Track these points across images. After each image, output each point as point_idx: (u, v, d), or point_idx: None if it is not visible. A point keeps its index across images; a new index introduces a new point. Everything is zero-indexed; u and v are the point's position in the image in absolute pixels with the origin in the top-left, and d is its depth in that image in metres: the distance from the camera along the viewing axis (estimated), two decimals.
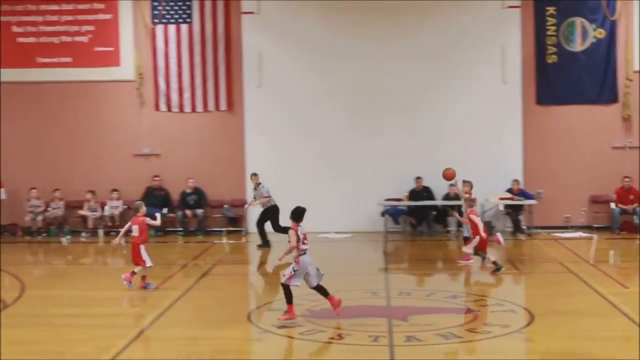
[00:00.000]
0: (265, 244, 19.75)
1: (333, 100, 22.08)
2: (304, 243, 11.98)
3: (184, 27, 22.15)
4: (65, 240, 21.44)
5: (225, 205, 22.27)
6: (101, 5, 22.30)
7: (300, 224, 12.07)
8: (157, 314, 12.82)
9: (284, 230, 20.25)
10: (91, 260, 19.88)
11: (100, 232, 22.14)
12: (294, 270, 11.92)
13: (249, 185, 22.03)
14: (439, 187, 21.14)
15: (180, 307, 13.54)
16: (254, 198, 19.97)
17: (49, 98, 22.50)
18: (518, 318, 12.26)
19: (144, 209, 14.99)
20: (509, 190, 21.25)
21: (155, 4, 22.14)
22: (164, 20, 22.11)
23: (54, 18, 22.40)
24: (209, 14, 22.10)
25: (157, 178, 22.28)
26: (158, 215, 15.21)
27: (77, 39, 22.40)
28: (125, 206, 22.23)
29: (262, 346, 11.28)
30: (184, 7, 22.13)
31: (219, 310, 13.29)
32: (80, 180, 22.36)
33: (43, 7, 22.38)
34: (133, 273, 14.66)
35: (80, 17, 22.35)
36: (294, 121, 22.12)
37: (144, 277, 14.75)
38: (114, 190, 22.28)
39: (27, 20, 22.44)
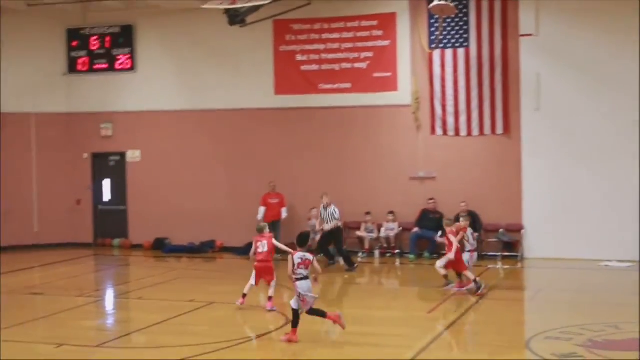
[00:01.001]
0: (331, 260, 20.75)
1: (615, 123, 21.12)
2: (298, 268, 12.49)
3: (460, 51, 22.18)
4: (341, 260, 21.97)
5: (501, 230, 21.98)
6: (380, 32, 22.82)
7: (302, 249, 12.71)
8: (432, 337, 12.88)
9: (347, 253, 20.50)
10: (367, 280, 20.30)
11: (376, 253, 22.59)
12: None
13: (526, 210, 21.67)
14: None
15: (455, 331, 13.52)
16: (322, 218, 20.75)
17: (329, 122, 23.30)
18: None
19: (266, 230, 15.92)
20: None
21: (433, 29, 22.34)
22: (441, 45, 22.26)
23: (335, 46, 23.21)
24: (486, 37, 21.99)
25: (431, 201, 22.41)
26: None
27: (357, 65, 23.05)
28: (401, 228, 22.55)
29: None
30: (461, 32, 22.17)
31: (496, 336, 13.12)
32: (358, 202, 22.94)
33: (325, 35, 23.26)
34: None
35: (360, 45, 22.98)
36: (573, 146, 21.44)
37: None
38: (390, 212, 22.65)
39: (310, 49, 23.41)
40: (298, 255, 12.63)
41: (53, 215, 25.13)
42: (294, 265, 12.51)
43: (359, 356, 11.86)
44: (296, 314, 12.44)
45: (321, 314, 12.59)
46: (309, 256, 12.74)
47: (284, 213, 22.98)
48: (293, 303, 12.52)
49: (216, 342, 12.57)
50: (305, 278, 12.55)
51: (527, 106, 21.67)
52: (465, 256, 17.11)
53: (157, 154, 24.79)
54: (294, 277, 12.49)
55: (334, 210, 20.70)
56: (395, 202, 22.79)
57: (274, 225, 22.95)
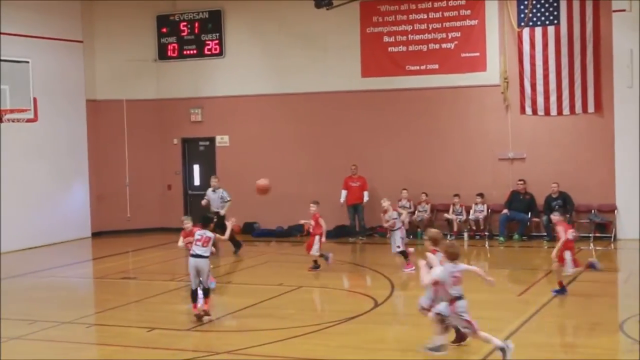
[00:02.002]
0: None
1: None
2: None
3: (550, 29, 21.76)
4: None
5: (593, 211, 21.54)
6: (467, 12, 22.54)
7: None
8: (523, 319, 12.72)
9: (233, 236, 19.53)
10: None
11: (465, 235, 22.39)
12: None
13: (619, 190, 21.18)
14: None
15: (547, 314, 13.32)
16: (208, 201, 20.81)
17: (416, 104, 23.16)
18: None
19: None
20: None
21: (522, 7, 21.95)
22: (531, 23, 21.86)
23: (422, 27, 23.01)
24: (577, 14, 21.50)
25: (521, 182, 22.09)
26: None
27: (444, 45, 22.82)
28: (490, 210, 22.30)
29: (634, 358, 10.76)
30: (551, 9, 21.73)
31: (588, 318, 12.90)
32: (446, 184, 22.78)
33: (412, 16, 23.08)
34: None
35: (448, 24, 22.74)
36: None
37: None
38: (479, 194, 22.41)
39: (397, 30, 23.26)
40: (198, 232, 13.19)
41: (144, 200, 25.62)
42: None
43: (452, 338, 11.79)
44: None
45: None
46: (210, 234, 13.12)
47: (366, 196, 22.96)
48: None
49: (304, 326, 12.66)
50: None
51: (620, 84, 21.14)
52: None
53: (245, 139, 25.02)
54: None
55: (223, 192, 20.63)
56: (484, 183, 22.55)
57: (356, 208, 23.02)
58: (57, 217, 23.41)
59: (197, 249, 13.06)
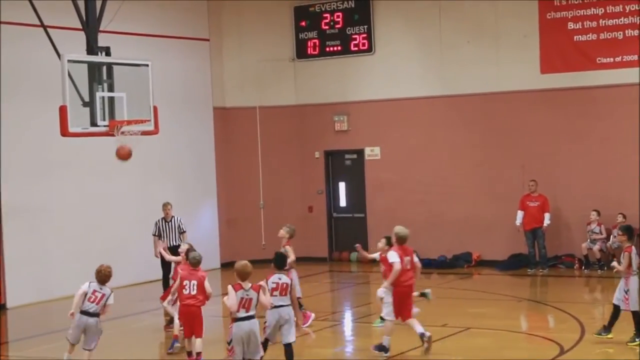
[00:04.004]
0: None
1: None
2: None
3: None
4: None
5: None
6: None
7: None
8: None
9: None
10: None
11: None
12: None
13: None
14: None
15: None
16: (160, 235, 19.41)
17: (610, 104, 22.49)
18: None
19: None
20: None
21: None
22: None
23: (617, 9, 22.35)
24: None
25: None
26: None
27: None
28: None
29: None
30: None
31: None
32: None
33: None
34: None
35: None
36: None
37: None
38: None
39: (585, 14, 22.68)
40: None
41: (282, 225, 25.72)
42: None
43: None
44: None
45: None
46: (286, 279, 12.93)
47: (547, 219, 22.46)
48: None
49: None
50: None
51: None
52: None
53: (400, 150, 24.89)
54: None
55: (180, 222, 19.60)
56: None
57: (534, 232, 22.49)
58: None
59: (276, 300, 12.75)
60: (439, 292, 20.48)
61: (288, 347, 12.62)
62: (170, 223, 19.71)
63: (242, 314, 11.53)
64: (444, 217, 24.10)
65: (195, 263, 13.81)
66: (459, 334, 15.54)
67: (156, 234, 19.49)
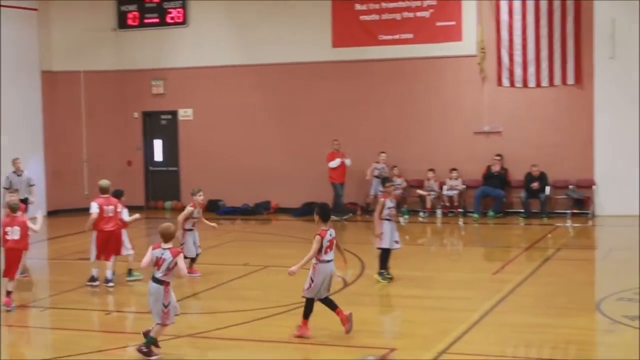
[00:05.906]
0: None
1: None
2: (326, 252, 11.09)
3: None
4: (402, 220, 21.88)
5: (571, 186, 21.70)
6: None
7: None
8: (498, 299, 12.85)
9: None
10: (429, 241, 20.26)
11: (438, 212, 22.48)
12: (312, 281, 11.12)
13: (598, 165, 21.37)
14: None
15: (522, 293, 13.45)
16: (12, 188, 18.23)
17: (390, 76, 23.13)
18: None
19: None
20: None
21: None
22: None
23: None
24: None
25: (498, 157, 22.15)
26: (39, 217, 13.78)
27: (419, 14, 22.79)
28: (465, 186, 22.39)
29: (612, 338, 10.91)
30: None
31: (564, 297, 13.04)
32: (419, 159, 22.82)
33: None
34: None
35: None
36: None
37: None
38: (453, 169, 22.48)
39: None
40: (329, 235, 11.14)
41: (103, 177, 25.31)
42: (321, 247, 11.07)
43: (425, 319, 11.90)
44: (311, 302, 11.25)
45: (333, 306, 11.27)
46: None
47: (348, 162, 22.61)
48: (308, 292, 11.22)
49: (270, 307, 12.69)
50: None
51: (601, 54, 21.28)
52: None
53: (210, 112, 24.91)
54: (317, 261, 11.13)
55: (29, 177, 19.53)
56: (458, 158, 22.62)
57: (343, 186, 22.77)
58: None
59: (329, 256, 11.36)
60: (243, 235, 20.85)
61: (328, 298, 11.38)
62: (20, 177, 19.28)
63: (155, 273, 10.38)
64: (247, 170, 24.32)
65: (14, 209, 13.43)
66: (258, 271, 15.76)
67: (8, 187, 18.82)
